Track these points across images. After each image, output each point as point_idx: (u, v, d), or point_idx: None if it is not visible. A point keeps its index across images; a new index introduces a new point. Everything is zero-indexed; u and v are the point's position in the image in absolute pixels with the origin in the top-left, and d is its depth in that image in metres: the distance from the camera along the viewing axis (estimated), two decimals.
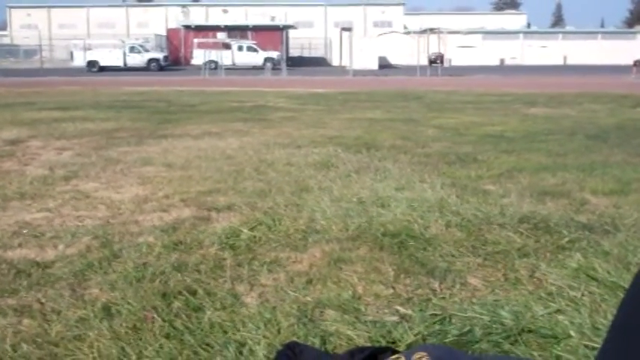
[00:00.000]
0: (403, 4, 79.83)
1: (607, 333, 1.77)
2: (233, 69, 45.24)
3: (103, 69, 46.44)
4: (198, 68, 41.85)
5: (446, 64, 53.14)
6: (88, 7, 79.22)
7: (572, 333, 2.42)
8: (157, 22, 73.89)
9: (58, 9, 78.68)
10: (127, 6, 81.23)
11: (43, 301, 2.80)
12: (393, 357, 1.63)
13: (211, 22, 63.22)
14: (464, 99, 16.62)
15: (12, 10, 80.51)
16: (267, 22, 63.82)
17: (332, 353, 2.21)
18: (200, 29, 57.71)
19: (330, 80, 30.89)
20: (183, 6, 76.44)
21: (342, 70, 43.04)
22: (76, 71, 42.19)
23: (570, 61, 67.47)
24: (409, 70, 43.07)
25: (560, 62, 67.43)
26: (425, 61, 43.99)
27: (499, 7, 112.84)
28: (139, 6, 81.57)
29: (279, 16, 69.79)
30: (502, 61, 69.07)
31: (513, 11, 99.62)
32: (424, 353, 1.56)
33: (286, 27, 59.22)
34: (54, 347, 2.34)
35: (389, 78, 34.30)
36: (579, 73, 38.64)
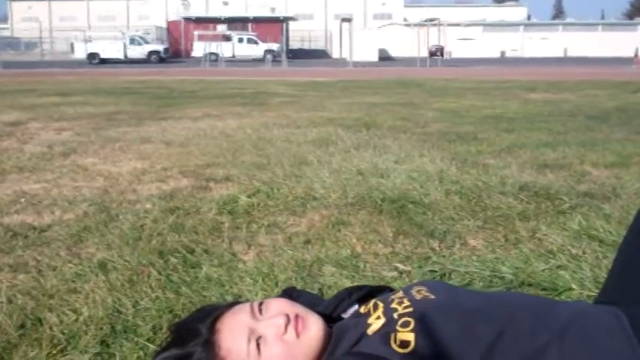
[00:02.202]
0: None
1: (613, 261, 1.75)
2: (233, 61, 45.16)
3: (104, 61, 46.26)
4: (198, 60, 41.76)
5: (446, 57, 52.91)
6: (88, 0, 78.97)
7: (573, 286, 2.39)
8: (157, 15, 73.70)
9: (58, 1, 78.37)
10: None
11: (39, 258, 2.78)
12: (392, 292, 1.60)
13: (211, 14, 63.05)
14: (464, 86, 16.58)
15: (13, 2, 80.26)
16: (267, 14, 63.67)
17: None
18: (200, 21, 57.57)
19: (331, 70, 30.81)
20: None
21: (342, 62, 42.92)
22: (77, 63, 42.10)
23: (571, 53, 67.25)
24: (409, 61, 42.95)
25: (561, 54, 67.23)
26: (425, 54, 43.85)
27: (499, 0, 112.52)
28: None
29: (279, 7, 69.72)
30: (502, 53, 68.83)
31: (513, 3, 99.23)
32: (423, 287, 1.53)
33: (286, 19, 59.11)
34: (49, 298, 2.32)
35: (389, 68, 34.21)
36: (580, 64, 38.54)
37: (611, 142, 6.00)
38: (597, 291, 2.27)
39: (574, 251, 2.76)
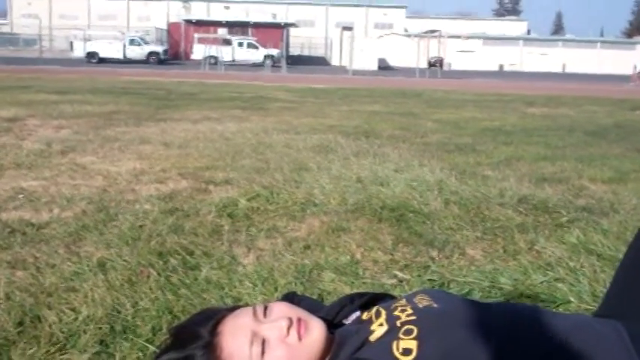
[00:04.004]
0: (405, 7, 79.80)
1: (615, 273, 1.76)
2: (233, 65, 45.12)
3: (103, 60, 46.17)
4: (197, 63, 41.71)
5: (445, 68, 53.11)
6: None
7: (571, 298, 2.40)
8: (158, 16, 73.74)
9: None
10: None
11: (38, 255, 2.78)
12: (395, 299, 1.60)
13: (212, 18, 63.07)
14: (463, 97, 16.62)
15: None
16: (268, 19, 63.66)
17: None
18: (201, 24, 57.55)
19: (330, 78, 30.82)
20: (185, 0, 76.23)
21: (341, 70, 42.96)
22: (76, 62, 42.04)
23: (569, 69, 67.54)
24: (408, 72, 42.97)
25: (560, 70, 67.50)
26: (424, 64, 43.95)
27: (500, 14, 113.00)
28: None
29: (280, 13, 69.78)
30: (501, 66, 69.04)
31: (514, 18, 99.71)
32: (425, 296, 1.53)
33: (287, 25, 59.18)
34: (47, 296, 2.31)
35: (388, 78, 34.25)
36: (578, 80, 38.65)
37: (608, 158, 6.03)
38: (595, 304, 2.28)
39: (572, 264, 2.76)
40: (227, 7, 72.87)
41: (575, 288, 2.48)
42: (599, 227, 3.40)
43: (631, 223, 3.48)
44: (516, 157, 5.94)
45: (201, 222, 3.36)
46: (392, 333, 1.39)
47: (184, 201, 3.85)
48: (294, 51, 67.46)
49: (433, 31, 47.25)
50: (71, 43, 49.88)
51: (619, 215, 3.70)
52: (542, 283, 2.54)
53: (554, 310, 2.30)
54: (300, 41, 68.54)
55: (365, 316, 1.54)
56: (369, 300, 1.68)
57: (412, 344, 1.35)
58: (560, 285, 2.52)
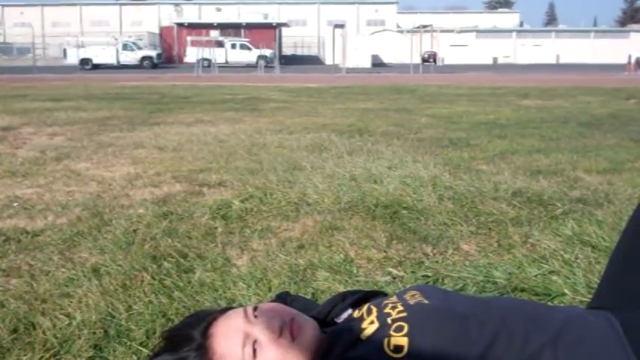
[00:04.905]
0: (396, 2, 79.67)
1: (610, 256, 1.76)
2: (226, 67, 45.13)
3: (97, 66, 46.15)
4: (191, 66, 41.63)
5: (439, 63, 53.17)
6: (81, 5, 78.76)
7: (566, 291, 2.40)
8: (150, 20, 73.71)
9: (51, 7, 78.23)
10: (120, 4, 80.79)
11: (32, 263, 2.78)
12: (386, 296, 1.60)
13: (204, 20, 62.99)
14: (457, 92, 16.60)
15: (5, 8, 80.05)
16: (260, 20, 63.58)
17: None
18: (193, 27, 57.47)
19: (324, 77, 30.77)
20: (177, 4, 76.17)
21: (335, 68, 42.90)
22: (69, 69, 41.98)
23: (563, 60, 67.59)
24: (402, 68, 42.99)
25: (553, 61, 67.55)
26: (418, 60, 43.94)
27: (492, 6, 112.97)
28: (132, 4, 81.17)
29: (272, 14, 69.67)
30: (495, 59, 69.05)
31: (506, 10, 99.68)
32: (417, 292, 1.53)
33: (279, 25, 59.08)
34: (42, 303, 2.32)
35: (382, 75, 34.22)
36: (572, 70, 38.63)
37: (603, 149, 6.03)
38: (590, 296, 2.28)
39: (567, 257, 2.76)
40: (219, 9, 72.81)
41: (569, 280, 2.48)
42: (594, 218, 3.40)
43: (626, 213, 3.48)
44: (511, 151, 5.94)
45: (194, 225, 3.36)
46: (383, 330, 1.39)
47: (178, 204, 3.85)
48: (288, 51, 67.43)
49: (425, 26, 47.21)
50: (64, 51, 49.91)
51: (614, 206, 3.70)
52: (536, 276, 2.54)
53: (548, 303, 2.31)
54: (292, 41, 68.51)
55: (356, 313, 1.54)
56: (361, 298, 1.68)
57: (403, 341, 1.34)
58: (554, 278, 2.52)
